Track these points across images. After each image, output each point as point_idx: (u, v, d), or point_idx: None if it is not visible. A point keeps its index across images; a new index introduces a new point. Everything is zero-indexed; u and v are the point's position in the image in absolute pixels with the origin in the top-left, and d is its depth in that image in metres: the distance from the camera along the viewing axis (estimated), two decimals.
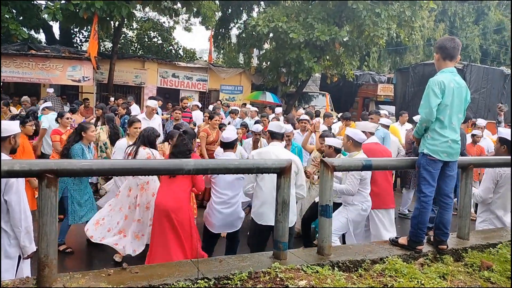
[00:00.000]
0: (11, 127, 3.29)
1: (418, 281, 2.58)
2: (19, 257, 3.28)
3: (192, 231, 4.34)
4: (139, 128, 5.75)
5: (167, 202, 4.24)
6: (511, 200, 4.13)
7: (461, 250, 3.27)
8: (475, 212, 5.06)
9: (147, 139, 5.02)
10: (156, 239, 4.28)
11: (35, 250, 3.25)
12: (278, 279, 2.47)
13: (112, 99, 11.75)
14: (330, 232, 2.99)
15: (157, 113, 8.77)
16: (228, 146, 4.85)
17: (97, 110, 8.94)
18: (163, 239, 4.22)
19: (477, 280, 2.78)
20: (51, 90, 11.17)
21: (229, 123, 9.48)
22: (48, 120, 7.64)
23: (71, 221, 5.07)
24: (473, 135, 7.52)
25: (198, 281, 2.39)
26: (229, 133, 4.97)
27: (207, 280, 2.41)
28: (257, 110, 11.30)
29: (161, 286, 2.30)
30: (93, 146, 6.19)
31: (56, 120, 7.20)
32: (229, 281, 2.43)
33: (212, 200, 4.63)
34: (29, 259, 3.39)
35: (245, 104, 14.44)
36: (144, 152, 4.94)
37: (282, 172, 2.81)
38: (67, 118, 6.94)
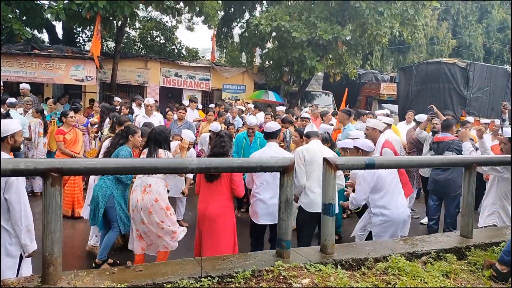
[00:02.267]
0: (10, 126, 3.28)
1: (421, 280, 2.59)
2: (21, 255, 3.30)
3: (235, 237, 4.44)
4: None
5: (210, 208, 4.30)
6: (511, 199, 4.13)
7: (464, 248, 3.26)
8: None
9: (164, 139, 4.74)
10: (205, 246, 4.32)
11: (36, 248, 3.27)
12: (281, 277, 2.48)
13: (117, 99, 11.73)
14: (333, 230, 3.00)
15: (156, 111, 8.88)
16: (271, 136, 4.87)
17: (97, 110, 8.99)
18: (211, 243, 4.25)
19: (480, 278, 2.78)
20: (26, 86, 10.37)
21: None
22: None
23: (123, 229, 4.79)
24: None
25: (201, 279, 2.40)
26: (272, 123, 5.02)
27: (210, 278, 2.42)
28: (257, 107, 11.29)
29: (165, 284, 2.31)
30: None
31: (60, 119, 7.24)
32: (233, 279, 2.44)
33: (254, 191, 4.74)
34: (30, 258, 3.41)
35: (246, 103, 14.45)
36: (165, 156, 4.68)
37: (286, 170, 2.82)
38: (72, 117, 6.93)
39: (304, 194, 4.73)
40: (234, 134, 7.46)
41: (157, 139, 4.69)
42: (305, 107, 13.67)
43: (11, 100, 8.38)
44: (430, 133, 7.28)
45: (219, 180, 4.35)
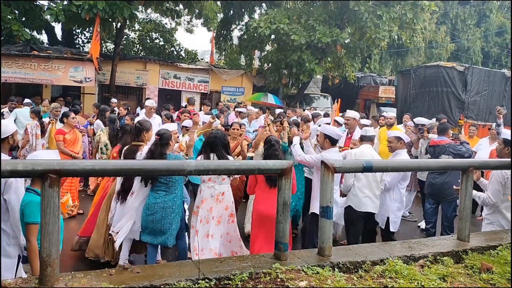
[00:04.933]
0: (9, 127, 3.31)
1: (418, 283, 2.59)
2: (19, 256, 3.29)
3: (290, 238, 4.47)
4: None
5: (270, 209, 4.30)
6: (511, 202, 4.13)
7: (461, 252, 3.27)
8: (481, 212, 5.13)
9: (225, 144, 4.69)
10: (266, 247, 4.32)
11: None
12: (278, 279, 2.48)
13: (113, 100, 11.72)
14: (330, 233, 3.00)
15: (157, 114, 8.81)
16: (366, 139, 5.07)
17: (95, 109, 8.98)
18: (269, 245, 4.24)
19: (477, 282, 2.79)
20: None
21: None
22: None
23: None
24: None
25: (199, 281, 2.40)
26: (370, 128, 5.28)
27: (208, 281, 2.42)
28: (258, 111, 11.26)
29: (162, 286, 2.31)
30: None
31: (61, 120, 7.27)
32: (230, 282, 2.44)
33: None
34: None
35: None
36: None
37: (283, 173, 2.82)
38: (73, 118, 7.02)
39: (353, 195, 4.99)
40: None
41: (222, 143, 4.62)
42: (304, 109, 13.68)
43: (27, 101, 8.85)
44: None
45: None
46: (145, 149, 4.67)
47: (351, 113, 7.07)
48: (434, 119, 8.53)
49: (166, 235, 4.36)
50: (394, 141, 5.45)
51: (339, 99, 10.39)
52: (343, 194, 5.26)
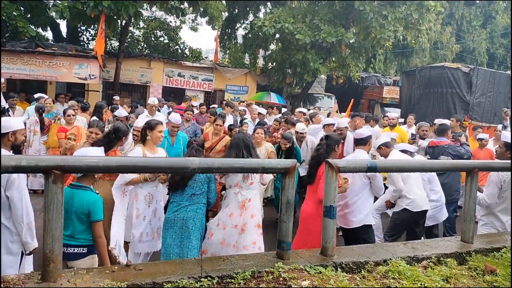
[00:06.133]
0: (11, 123, 3.28)
1: (421, 284, 2.58)
2: (22, 253, 3.30)
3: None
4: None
5: (303, 210, 4.33)
6: (511, 205, 4.11)
7: (465, 253, 3.25)
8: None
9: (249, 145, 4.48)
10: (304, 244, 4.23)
11: (36, 246, 3.27)
12: (281, 279, 2.48)
13: (115, 97, 11.72)
14: (334, 233, 2.99)
15: (158, 111, 8.82)
16: (360, 142, 4.78)
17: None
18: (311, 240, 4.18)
19: (480, 284, 2.77)
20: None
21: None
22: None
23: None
24: (480, 139, 7.53)
25: (201, 280, 2.39)
26: (362, 130, 5.08)
27: (210, 279, 2.42)
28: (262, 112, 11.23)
29: (164, 284, 2.31)
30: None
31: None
32: (232, 280, 2.44)
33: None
34: (32, 256, 3.41)
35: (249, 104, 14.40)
36: None
37: (287, 172, 2.81)
38: (69, 116, 7.04)
39: (404, 198, 5.08)
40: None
41: (246, 145, 4.36)
42: (308, 109, 13.67)
43: (40, 95, 9.03)
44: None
45: (316, 183, 4.31)
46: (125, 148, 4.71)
47: (342, 123, 6.98)
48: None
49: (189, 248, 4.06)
50: (379, 151, 5.38)
51: (352, 100, 10.36)
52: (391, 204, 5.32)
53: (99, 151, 3.43)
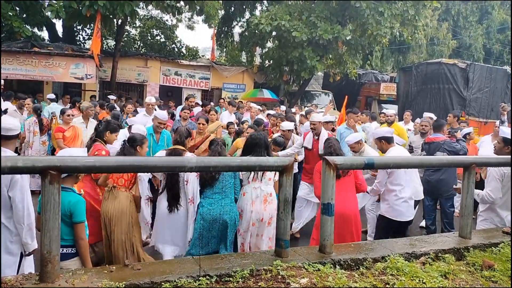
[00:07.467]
0: (17, 124, 3.31)
1: (419, 280, 2.58)
2: (21, 254, 3.29)
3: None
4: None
5: (346, 207, 4.27)
6: (511, 200, 4.12)
7: (463, 249, 3.26)
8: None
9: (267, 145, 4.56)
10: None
11: (36, 247, 3.26)
12: (279, 276, 2.48)
13: (111, 97, 11.64)
14: (332, 230, 2.99)
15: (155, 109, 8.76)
16: (388, 140, 4.98)
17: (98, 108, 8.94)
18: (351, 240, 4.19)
19: (478, 279, 2.78)
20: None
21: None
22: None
23: None
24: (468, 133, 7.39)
25: (200, 278, 2.39)
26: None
27: (208, 277, 2.42)
28: (260, 109, 11.19)
29: (163, 283, 2.30)
30: None
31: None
32: (231, 278, 2.44)
33: (393, 193, 4.85)
34: (32, 257, 3.40)
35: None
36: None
37: (285, 170, 2.81)
38: (68, 115, 7.02)
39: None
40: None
41: (266, 145, 4.48)
42: (305, 106, 13.67)
43: (51, 96, 9.48)
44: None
45: (349, 176, 4.35)
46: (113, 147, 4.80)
47: (316, 117, 6.60)
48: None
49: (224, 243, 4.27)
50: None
51: (346, 96, 10.34)
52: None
53: (82, 152, 3.50)
